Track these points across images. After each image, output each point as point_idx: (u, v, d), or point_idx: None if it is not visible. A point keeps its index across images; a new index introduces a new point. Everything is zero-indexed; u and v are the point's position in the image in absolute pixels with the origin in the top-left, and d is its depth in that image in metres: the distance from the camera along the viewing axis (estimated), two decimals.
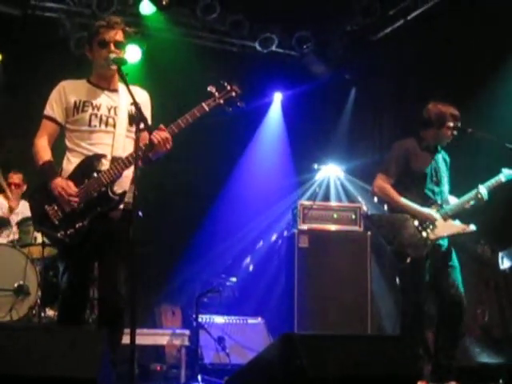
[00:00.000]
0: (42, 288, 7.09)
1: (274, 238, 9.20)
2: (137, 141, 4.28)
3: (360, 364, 3.95)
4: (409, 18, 9.28)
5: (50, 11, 8.99)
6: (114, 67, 4.57)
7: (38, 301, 7.07)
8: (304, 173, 10.39)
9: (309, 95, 10.23)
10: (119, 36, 4.72)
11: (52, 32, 8.97)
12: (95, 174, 4.57)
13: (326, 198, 10.07)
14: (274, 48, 9.90)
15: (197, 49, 9.69)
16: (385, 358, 4.13)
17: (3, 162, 8.22)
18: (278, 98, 10.91)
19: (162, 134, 4.49)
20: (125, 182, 4.67)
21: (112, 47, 4.66)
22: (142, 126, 4.32)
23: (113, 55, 4.59)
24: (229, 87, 4.73)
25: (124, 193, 4.63)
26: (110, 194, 4.57)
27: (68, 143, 4.76)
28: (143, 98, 4.80)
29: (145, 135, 4.44)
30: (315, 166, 10.15)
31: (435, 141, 6.05)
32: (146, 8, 9.08)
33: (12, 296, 6.96)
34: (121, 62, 4.56)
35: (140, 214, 4.63)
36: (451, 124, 5.95)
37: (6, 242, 7.41)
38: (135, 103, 4.31)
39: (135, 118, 4.32)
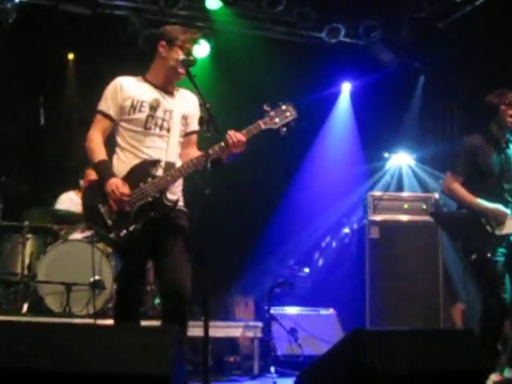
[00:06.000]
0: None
1: (346, 230, 9.19)
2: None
3: (430, 360, 3.94)
4: (477, 3, 9.08)
5: (118, 9, 9.13)
6: (183, 71, 4.64)
7: (114, 294, 7.21)
8: (374, 162, 10.34)
9: (378, 84, 10.13)
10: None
11: (121, 30, 9.15)
12: (150, 179, 4.58)
13: (398, 187, 9.99)
14: (341, 38, 9.81)
15: (264, 41, 9.68)
16: (455, 353, 4.11)
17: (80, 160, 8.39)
18: (346, 87, 10.83)
19: (237, 135, 4.57)
20: (177, 189, 4.76)
21: (188, 53, 4.70)
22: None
23: (182, 57, 4.64)
24: (284, 107, 4.76)
25: (177, 200, 4.69)
26: (164, 200, 4.61)
27: (120, 141, 4.74)
28: (194, 103, 4.78)
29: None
30: (386, 155, 10.09)
31: (499, 132, 5.87)
32: (213, 3, 9.15)
33: (88, 290, 7.12)
34: (191, 63, 4.60)
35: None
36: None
37: (81, 237, 7.56)
38: (204, 103, 4.36)
39: (205, 118, 4.32)
